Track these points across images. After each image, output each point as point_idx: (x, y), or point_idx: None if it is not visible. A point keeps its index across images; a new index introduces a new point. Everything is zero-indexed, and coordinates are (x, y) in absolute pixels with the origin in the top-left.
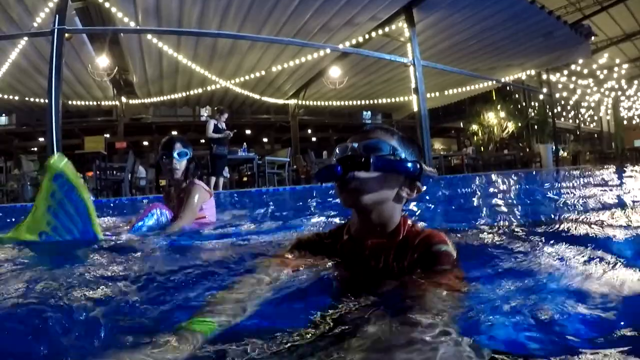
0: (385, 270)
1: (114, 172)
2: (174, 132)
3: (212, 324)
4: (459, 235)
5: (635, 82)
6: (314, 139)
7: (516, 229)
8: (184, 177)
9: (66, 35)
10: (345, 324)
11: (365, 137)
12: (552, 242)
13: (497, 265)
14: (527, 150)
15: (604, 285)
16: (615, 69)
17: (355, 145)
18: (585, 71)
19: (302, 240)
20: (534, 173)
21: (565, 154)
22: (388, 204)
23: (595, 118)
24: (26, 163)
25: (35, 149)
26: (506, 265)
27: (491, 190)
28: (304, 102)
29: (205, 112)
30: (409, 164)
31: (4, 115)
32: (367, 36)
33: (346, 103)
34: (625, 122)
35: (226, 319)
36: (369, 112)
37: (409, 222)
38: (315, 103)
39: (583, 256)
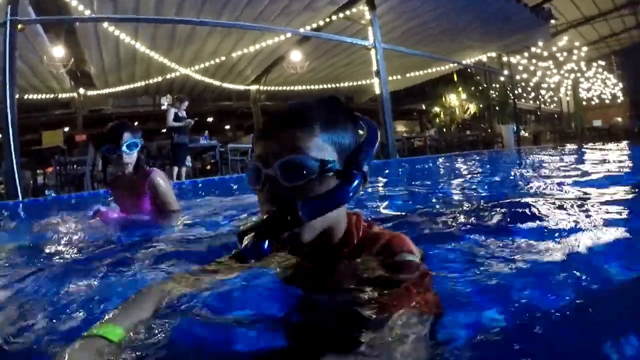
0: (334, 289)
1: (74, 166)
2: (135, 123)
3: (118, 329)
4: (424, 217)
5: (594, 64)
6: None
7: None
8: (135, 169)
9: (19, 26)
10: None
11: (279, 148)
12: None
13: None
14: (489, 131)
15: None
16: (575, 51)
17: (269, 171)
18: (546, 53)
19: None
20: (494, 154)
21: (527, 134)
22: (329, 217)
23: (555, 99)
24: None
25: None
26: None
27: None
28: (265, 88)
29: (165, 101)
30: (353, 183)
31: None
32: (327, 19)
33: (308, 87)
34: (584, 103)
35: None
36: None
37: (363, 222)
38: (277, 88)
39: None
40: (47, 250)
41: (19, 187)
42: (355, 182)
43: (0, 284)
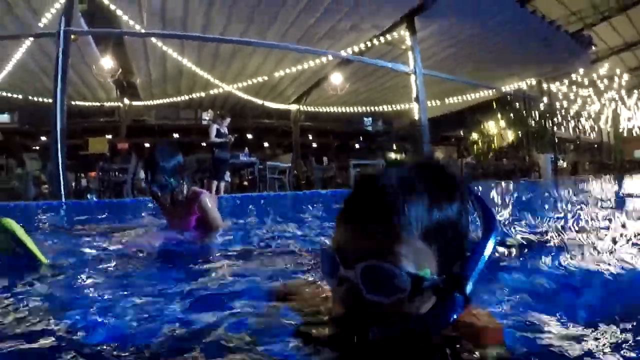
0: None
1: (116, 173)
2: (176, 135)
3: None
4: None
5: (635, 92)
6: (314, 144)
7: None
8: (180, 194)
9: (72, 36)
10: None
11: (367, 245)
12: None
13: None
14: (526, 159)
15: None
16: (616, 79)
17: (349, 274)
18: (586, 81)
19: None
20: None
21: (565, 163)
22: None
23: (596, 128)
24: (29, 162)
25: (37, 147)
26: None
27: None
28: (305, 108)
29: (207, 116)
30: (451, 310)
31: (6, 113)
32: (369, 44)
33: (347, 109)
34: (625, 134)
35: None
36: (370, 119)
37: None
38: (316, 109)
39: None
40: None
41: (62, 189)
42: (454, 311)
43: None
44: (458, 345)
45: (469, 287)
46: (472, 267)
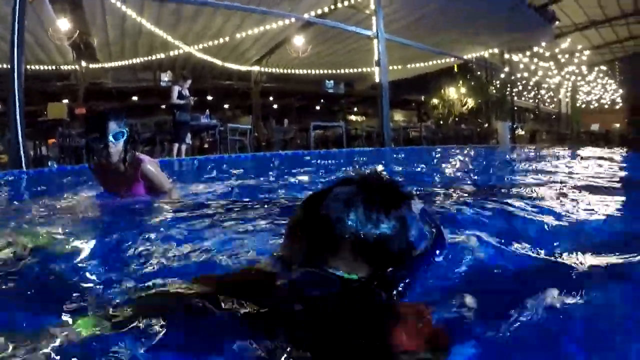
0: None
1: (74, 138)
2: (135, 98)
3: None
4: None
5: (596, 68)
6: (275, 106)
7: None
8: (122, 158)
9: None
10: None
11: (303, 254)
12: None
13: None
14: (486, 126)
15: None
16: (577, 54)
17: (289, 275)
18: (548, 54)
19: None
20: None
21: (523, 132)
22: None
23: (555, 100)
24: None
25: None
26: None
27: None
28: (267, 70)
29: (166, 77)
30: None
31: None
32: (332, 7)
33: (309, 71)
34: (583, 107)
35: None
36: (332, 81)
37: None
38: (278, 70)
39: None
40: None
41: (23, 157)
42: (377, 306)
43: None
44: (390, 337)
45: (394, 290)
46: (407, 272)
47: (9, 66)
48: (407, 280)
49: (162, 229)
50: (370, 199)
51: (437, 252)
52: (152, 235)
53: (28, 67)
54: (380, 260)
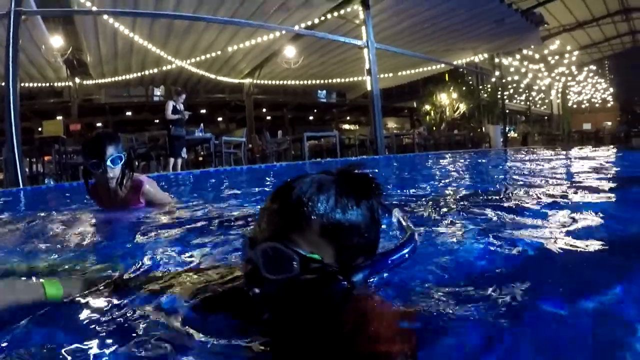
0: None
1: (71, 155)
2: (128, 113)
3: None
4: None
5: (586, 68)
6: (268, 117)
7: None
8: (120, 182)
9: (22, 17)
10: None
11: (268, 231)
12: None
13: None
14: (478, 130)
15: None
16: (566, 55)
17: (251, 253)
18: (537, 56)
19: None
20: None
21: (516, 134)
22: None
23: (546, 101)
24: None
25: None
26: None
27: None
28: (259, 82)
29: (158, 92)
30: (335, 291)
31: None
32: (322, 18)
33: (301, 82)
34: (575, 106)
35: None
36: (324, 91)
37: None
38: (270, 82)
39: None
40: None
41: (19, 175)
42: (333, 291)
43: None
44: (350, 329)
45: (356, 277)
46: (372, 263)
47: (3, 84)
48: (368, 272)
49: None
50: (343, 186)
51: (407, 251)
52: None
53: (22, 84)
54: (344, 246)
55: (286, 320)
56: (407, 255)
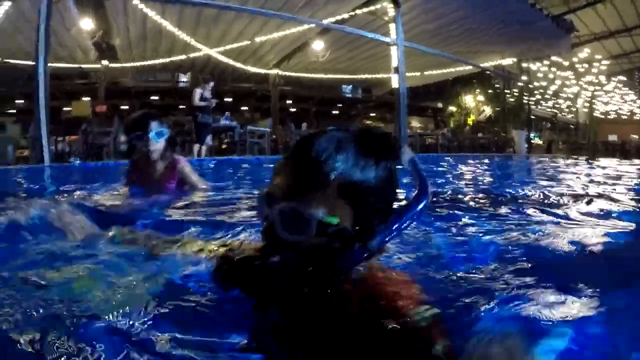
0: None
1: (96, 135)
2: (154, 97)
3: None
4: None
5: (614, 79)
6: (293, 109)
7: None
8: (162, 156)
9: None
10: None
11: (289, 189)
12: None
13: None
14: (503, 135)
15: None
16: (595, 64)
17: (269, 211)
18: (566, 63)
19: None
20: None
21: (540, 141)
22: None
23: (573, 109)
24: (10, 127)
25: (14, 111)
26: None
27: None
28: (285, 73)
29: (184, 78)
30: (352, 257)
31: None
32: (352, 13)
33: (328, 76)
34: (602, 117)
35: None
36: (350, 86)
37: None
38: (296, 74)
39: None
40: None
41: (46, 153)
42: (350, 256)
43: None
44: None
45: (374, 242)
46: (388, 226)
47: (33, 63)
48: (385, 237)
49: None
50: (363, 145)
51: (420, 206)
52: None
53: (50, 65)
54: (361, 208)
55: (301, 282)
56: (420, 211)
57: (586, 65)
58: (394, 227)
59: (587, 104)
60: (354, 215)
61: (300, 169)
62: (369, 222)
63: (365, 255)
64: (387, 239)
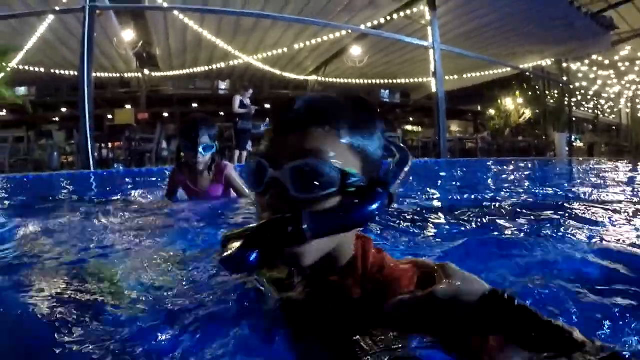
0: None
1: (139, 142)
2: (194, 105)
3: None
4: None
5: None
6: None
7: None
8: (207, 167)
9: (97, 12)
10: None
11: (294, 148)
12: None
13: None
14: (543, 138)
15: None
16: (638, 62)
17: (277, 174)
18: (607, 62)
19: None
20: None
21: (582, 144)
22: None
23: (615, 110)
24: (56, 134)
25: (57, 119)
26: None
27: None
28: (323, 79)
29: (224, 85)
30: (376, 203)
31: (24, 87)
32: (388, 18)
33: (365, 81)
34: None
35: None
36: (388, 91)
37: (372, 249)
38: (334, 80)
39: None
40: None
41: (92, 159)
42: (379, 203)
43: None
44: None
45: (391, 187)
46: (393, 173)
47: (76, 73)
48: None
49: None
50: (354, 105)
51: (403, 170)
52: None
53: (94, 74)
54: (367, 163)
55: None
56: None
57: (628, 64)
58: (397, 174)
59: (629, 104)
60: (362, 168)
61: (301, 122)
62: (372, 175)
63: (388, 200)
64: (399, 184)
